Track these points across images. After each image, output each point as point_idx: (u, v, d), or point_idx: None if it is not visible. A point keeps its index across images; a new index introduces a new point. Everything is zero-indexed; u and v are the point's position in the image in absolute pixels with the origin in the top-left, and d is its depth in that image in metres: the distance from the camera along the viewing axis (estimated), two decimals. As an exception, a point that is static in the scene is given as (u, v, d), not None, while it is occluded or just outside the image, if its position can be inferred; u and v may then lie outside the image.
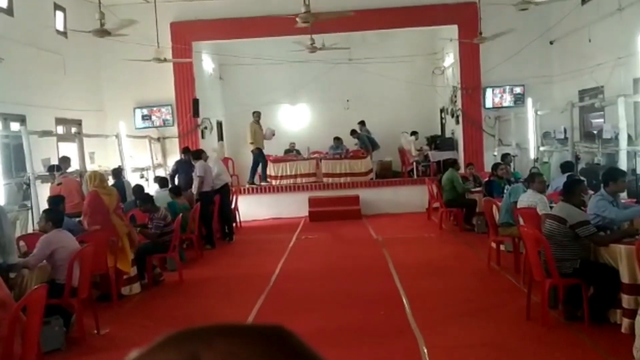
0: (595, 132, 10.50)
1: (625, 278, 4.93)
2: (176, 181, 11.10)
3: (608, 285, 5.09)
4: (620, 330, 4.96)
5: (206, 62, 15.66)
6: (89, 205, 7.02)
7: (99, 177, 7.22)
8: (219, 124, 16.26)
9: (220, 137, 16.26)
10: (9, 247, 5.39)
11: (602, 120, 11.12)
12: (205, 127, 14.53)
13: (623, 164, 8.27)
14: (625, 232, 5.46)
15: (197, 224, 9.61)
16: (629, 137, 8.51)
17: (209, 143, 14.32)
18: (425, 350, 4.89)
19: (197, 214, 9.60)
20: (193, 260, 9.31)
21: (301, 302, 6.79)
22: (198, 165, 10.49)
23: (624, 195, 8.02)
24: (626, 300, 4.92)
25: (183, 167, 11.14)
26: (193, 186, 10.49)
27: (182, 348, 0.34)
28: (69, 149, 10.71)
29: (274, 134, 14.76)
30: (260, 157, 14.05)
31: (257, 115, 13.97)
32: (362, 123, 15.85)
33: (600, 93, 11.09)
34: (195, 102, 13.82)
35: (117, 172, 10.53)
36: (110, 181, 9.59)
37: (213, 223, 10.63)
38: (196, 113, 13.84)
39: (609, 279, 5.07)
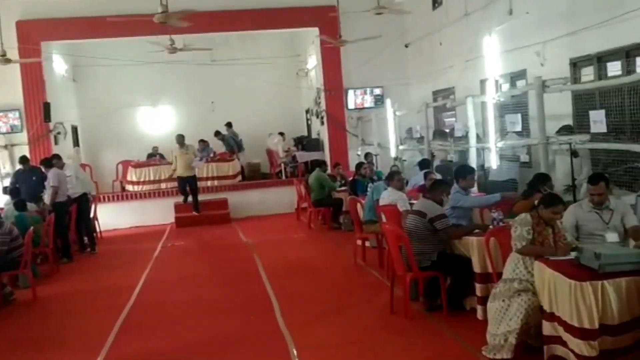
0: (447, 130, 11.15)
1: (477, 268, 5.27)
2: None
3: (463, 276, 5.41)
4: (475, 317, 5.29)
5: (58, 64, 14.67)
6: None
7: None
8: (74, 129, 15.28)
9: (76, 143, 15.29)
10: None
11: (454, 119, 11.84)
12: (59, 132, 13.60)
13: (473, 160, 8.84)
14: (477, 226, 5.83)
15: (51, 237, 8.95)
16: (478, 135, 9.11)
17: (63, 149, 13.43)
18: (295, 352, 4.90)
19: (52, 226, 8.94)
20: (48, 275, 8.68)
21: (167, 314, 6.53)
22: (51, 174, 9.77)
23: (474, 189, 8.60)
24: (479, 288, 5.25)
25: (22, 178, 10.32)
26: (46, 196, 9.77)
27: None
28: None
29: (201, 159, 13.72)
30: (189, 183, 13.00)
31: (180, 138, 13.11)
32: (228, 125, 15.69)
33: (452, 94, 11.80)
34: (47, 106, 12.91)
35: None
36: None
37: (70, 234, 9.98)
38: (48, 117, 12.94)
39: (463, 270, 5.39)
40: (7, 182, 12.07)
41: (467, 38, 10.82)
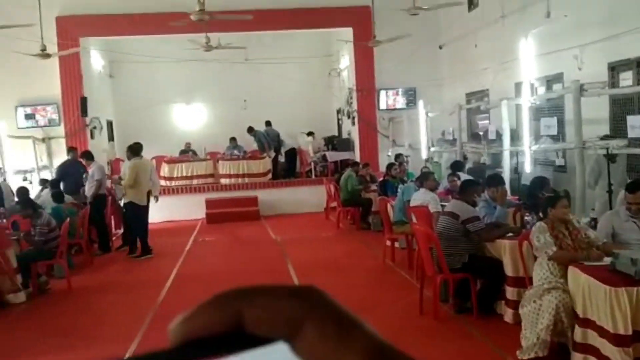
0: (481, 133, 11.06)
1: (509, 271, 5.22)
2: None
3: (494, 279, 5.37)
4: (505, 321, 5.25)
5: (95, 59, 14.96)
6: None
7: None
8: (109, 124, 15.58)
9: (111, 137, 15.58)
10: None
11: (487, 121, 11.73)
12: (95, 127, 13.88)
13: (506, 163, 8.77)
14: (510, 229, 5.78)
15: (86, 229, 9.13)
16: (512, 137, 9.02)
17: (98, 143, 13.70)
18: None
19: (87, 217, 9.12)
20: (83, 266, 8.85)
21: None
22: (96, 167, 9.82)
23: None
24: (510, 291, 5.21)
25: (70, 169, 10.26)
26: (87, 189, 9.77)
27: (226, 307, 0.37)
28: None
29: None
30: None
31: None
32: (267, 123, 15.51)
33: (486, 96, 11.68)
34: (84, 101, 13.16)
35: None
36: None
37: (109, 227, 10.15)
38: (84, 112, 13.19)
39: (494, 273, 5.35)
40: (44, 174, 12.33)
41: (503, 40, 10.71)
